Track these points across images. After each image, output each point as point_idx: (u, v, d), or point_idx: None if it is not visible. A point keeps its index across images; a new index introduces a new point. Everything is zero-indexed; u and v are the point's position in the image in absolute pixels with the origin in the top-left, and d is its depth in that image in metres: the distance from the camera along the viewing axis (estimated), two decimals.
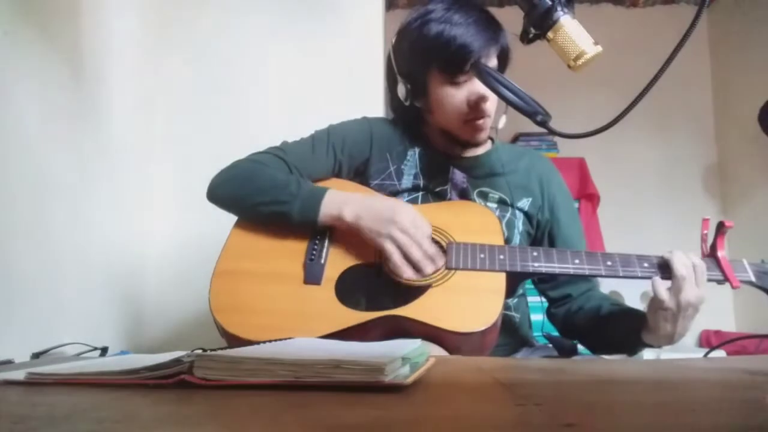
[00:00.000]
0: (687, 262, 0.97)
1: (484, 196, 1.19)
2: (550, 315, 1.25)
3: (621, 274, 1.01)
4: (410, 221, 1.02)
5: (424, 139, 1.24)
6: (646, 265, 1.01)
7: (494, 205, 1.18)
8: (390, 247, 1.01)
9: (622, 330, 1.09)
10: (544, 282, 1.24)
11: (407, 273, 1.01)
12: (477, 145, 1.22)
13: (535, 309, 1.30)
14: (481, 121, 1.15)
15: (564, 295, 1.22)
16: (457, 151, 1.23)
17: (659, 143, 3.33)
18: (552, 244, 1.22)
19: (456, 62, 1.10)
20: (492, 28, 1.13)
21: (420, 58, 1.15)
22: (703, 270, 0.98)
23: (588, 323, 1.16)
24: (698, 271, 0.97)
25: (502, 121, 1.17)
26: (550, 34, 0.91)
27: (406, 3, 3.21)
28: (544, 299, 1.27)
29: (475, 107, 1.13)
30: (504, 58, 1.17)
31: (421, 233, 1.02)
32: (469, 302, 0.99)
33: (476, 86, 1.11)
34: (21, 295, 1.11)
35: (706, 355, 1.27)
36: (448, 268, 1.02)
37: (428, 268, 1.01)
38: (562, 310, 1.22)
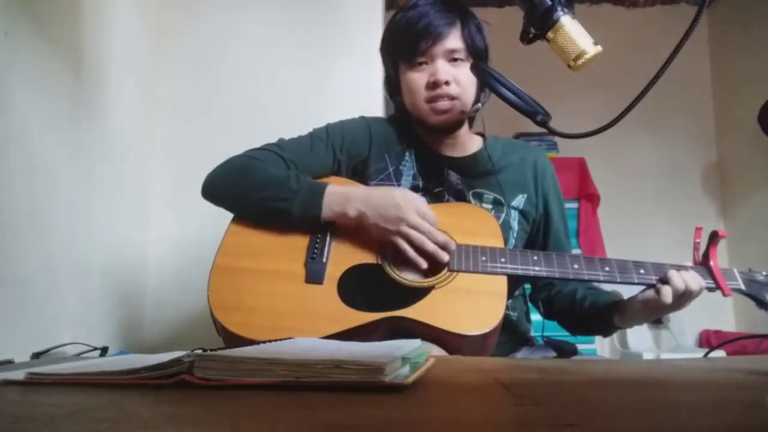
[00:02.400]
0: (681, 279, 0.99)
1: (479, 197, 1.20)
2: (532, 300, 1.28)
3: (618, 280, 1.03)
4: (417, 214, 1.04)
5: (419, 140, 1.24)
6: (642, 271, 1.03)
7: (489, 206, 1.19)
8: (403, 244, 1.03)
9: (597, 312, 1.14)
10: None
11: (424, 265, 1.03)
12: (446, 129, 1.21)
13: (535, 309, 1.31)
14: (441, 103, 1.15)
15: (546, 283, 1.26)
16: (443, 147, 1.23)
17: (659, 143, 3.33)
18: (545, 238, 1.24)
19: (412, 44, 1.14)
20: (448, 8, 1.15)
21: (388, 51, 1.22)
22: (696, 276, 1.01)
23: (566, 305, 1.20)
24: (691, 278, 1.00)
25: (478, 108, 1.20)
26: (550, 34, 0.91)
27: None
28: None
29: (433, 88, 1.14)
30: (473, 45, 1.16)
31: (429, 225, 1.04)
32: (472, 304, 0.99)
33: (435, 68, 1.14)
34: (21, 295, 1.11)
35: (706, 355, 1.27)
36: (451, 270, 1.02)
37: (445, 257, 1.03)
38: (542, 294, 1.26)
